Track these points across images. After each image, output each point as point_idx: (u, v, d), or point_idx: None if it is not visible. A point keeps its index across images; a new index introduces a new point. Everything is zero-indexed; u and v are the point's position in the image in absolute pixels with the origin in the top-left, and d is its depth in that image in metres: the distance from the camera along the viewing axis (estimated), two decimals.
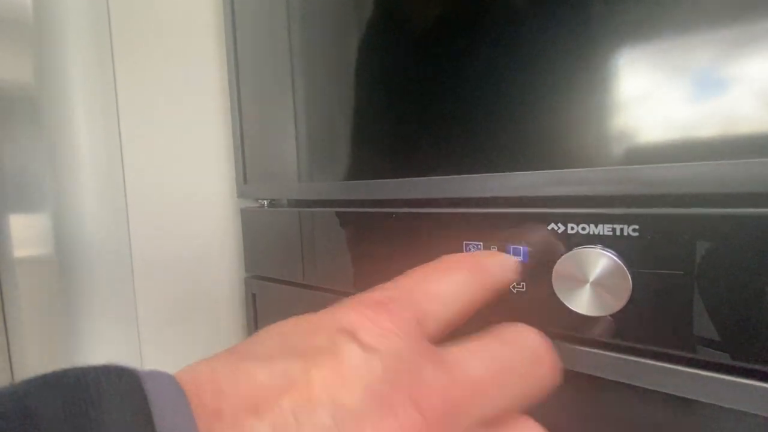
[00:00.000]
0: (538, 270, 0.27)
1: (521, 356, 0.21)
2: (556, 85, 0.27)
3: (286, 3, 0.44)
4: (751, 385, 0.21)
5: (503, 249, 0.29)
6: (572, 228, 0.26)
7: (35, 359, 0.49)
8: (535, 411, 0.21)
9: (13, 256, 0.49)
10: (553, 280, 0.26)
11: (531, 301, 0.28)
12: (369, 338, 0.17)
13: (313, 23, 0.42)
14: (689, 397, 0.23)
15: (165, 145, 0.50)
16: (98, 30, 0.45)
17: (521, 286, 0.28)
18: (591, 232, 0.25)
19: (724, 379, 0.22)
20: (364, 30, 0.38)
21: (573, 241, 0.26)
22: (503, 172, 0.29)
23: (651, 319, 0.24)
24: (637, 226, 0.24)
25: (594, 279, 0.24)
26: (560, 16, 0.27)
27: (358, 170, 0.39)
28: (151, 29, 0.48)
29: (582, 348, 0.27)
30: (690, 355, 0.23)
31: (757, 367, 0.21)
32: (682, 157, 0.23)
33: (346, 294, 0.42)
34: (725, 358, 0.22)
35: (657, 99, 0.24)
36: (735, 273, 0.22)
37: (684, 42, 0.23)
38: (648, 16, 0.24)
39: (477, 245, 0.30)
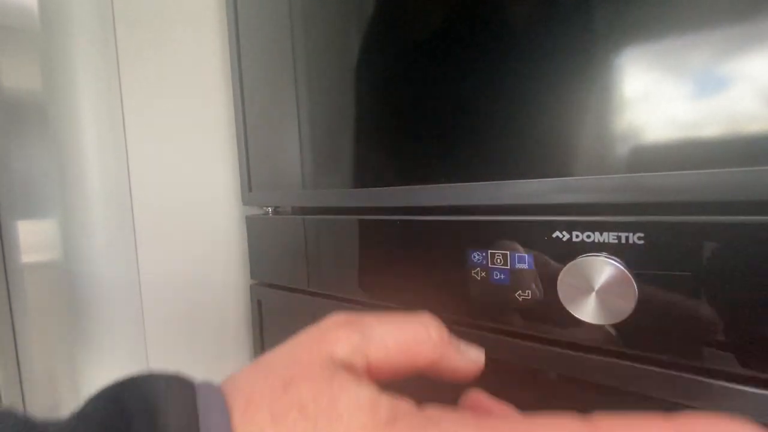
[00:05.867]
0: (543, 278, 0.27)
1: None
2: (561, 93, 0.27)
3: (289, 13, 0.44)
4: (760, 393, 0.21)
5: (507, 257, 0.29)
6: (577, 236, 0.26)
7: (43, 363, 0.50)
8: None
9: (21, 261, 0.49)
10: (558, 288, 0.26)
11: (536, 309, 0.28)
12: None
13: (317, 32, 0.42)
14: (695, 405, 0.23)
15: (170, 153, 0.50)
16: (104, 39, 0.45)
17: (527, 294, 0.28)
18: (596, 240, 0.25)
19: (732, 388, 0.22)
20: (368, 39, 0.38)
21: (578, 249, 0.26)
22: (507, 180, 0.29)
23: (658, 328, 0.24)
24: (642, 234, 0.24)
25: (600, 287, 0.24)
26: (564, 27, 0.27)
27: (362, 178, 0.40)
28: (156, 38, 0.48)
29: (588, 356, 0.26)
30: (698, 364, 0.23)
31: (766, 375, 0.21)
32: (687, 165, 0.23)
33: (350, 301, 0.43)
34: (734, 366, 0.22)
35: (662, 107, 0.24)
36: (744, 280, 0.21)
37: (689, 50, 0.23)
38: (653, 28, 0.24)
39: (481, 253, 0.30)
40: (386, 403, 0.16)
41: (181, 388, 0.15)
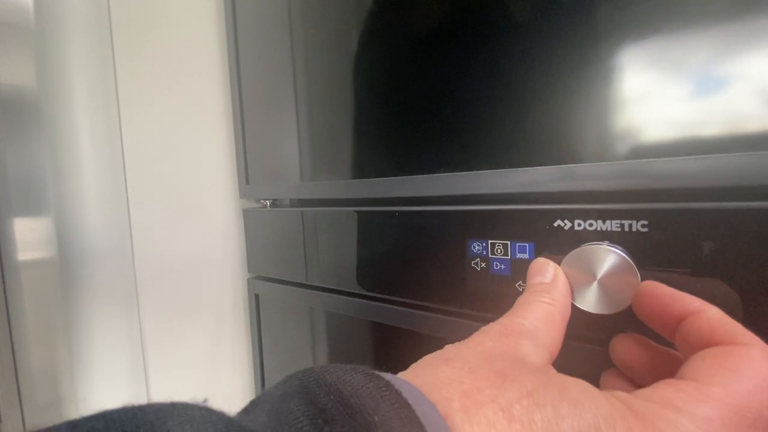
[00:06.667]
0: None
1: None
2: (560, 79, 0.27)
3: (287, 5, 0.44)
4: None
5: (508, 247, 0.28)
6: (579, 224, 0.25)
7: (39, 361, 0.49)
8: None
9: (17, 259, 0.49)
10: None
11: None
12: None
13: (315, 25, 0.42)
14: None
15: (167, 147, 0.49)
16: (100, 34, 0.45)
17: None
18: (598, 229, 0.24)
19: None
20: (366, 30, 0.37)
21: (580, 238, 0.25)
22: (507, 168, 0.29)
23: None
24: (646, 222, 0.23)
25: (602, 276, 0.23)
26: (567, 12, 0.26)
27: (361, 168, 0.39)
28: (152, 33, 0.48)
29: (589, 347, 0.26)
30: None
31: None
32: (692, 151, 0.23)
33: (349, 294, 0.42)
34: None
35: (665, 93, 0.23)
36: (751, 268, 0.21)
37: (691, 38, 0.23)
38: (653, 13, 0.23)
39: (481, 243, 0.29)
40: (613, 396, 0.16)
41: (381, 389, 0.14)
